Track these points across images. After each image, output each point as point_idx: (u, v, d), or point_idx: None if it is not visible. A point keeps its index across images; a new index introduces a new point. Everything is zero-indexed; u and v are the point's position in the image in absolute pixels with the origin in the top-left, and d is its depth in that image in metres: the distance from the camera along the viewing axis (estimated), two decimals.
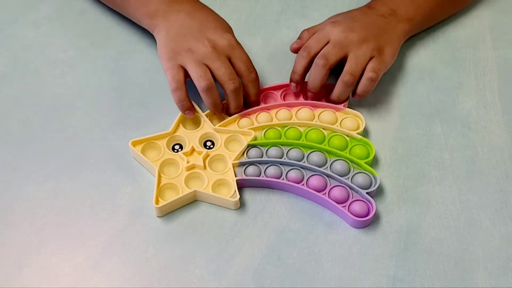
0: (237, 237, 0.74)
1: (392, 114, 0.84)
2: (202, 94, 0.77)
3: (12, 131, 0.82)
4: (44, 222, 0.75)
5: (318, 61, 0.80)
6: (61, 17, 0.93)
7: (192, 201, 0.77)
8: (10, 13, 0.94)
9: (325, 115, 0.82)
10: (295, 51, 0.84)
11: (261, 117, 0.82)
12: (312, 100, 0.82)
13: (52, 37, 0.91)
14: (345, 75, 0.80)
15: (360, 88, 0.80)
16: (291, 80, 0.82)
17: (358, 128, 0.81)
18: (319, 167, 0.77)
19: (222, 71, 0.77)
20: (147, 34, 0.88)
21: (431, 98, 0.85)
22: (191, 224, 0.75)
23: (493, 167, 0.79)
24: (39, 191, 0.77)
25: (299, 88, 0.82)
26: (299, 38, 0.85)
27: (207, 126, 0.81)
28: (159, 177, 0.76)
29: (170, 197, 0.75)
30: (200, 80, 0.76)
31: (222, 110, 0.80)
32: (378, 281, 0.71)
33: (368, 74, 0.80)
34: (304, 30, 0.85)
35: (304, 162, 0.78)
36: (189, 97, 0.79)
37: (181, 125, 0.81)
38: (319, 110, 0.83)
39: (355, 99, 0.82)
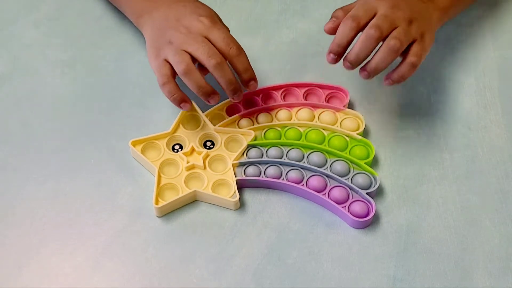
0: (237, 237, 0.74)
1: (392, 114, 0.84)
2: (183, 79, 0.75)
3: (12, 131, 0.82)
4: (44, 222, 0.75)
5: (371, 32, 0.72)
6: (61, 17, 0.93)
7: (192, 201, 0.77)
8: (10, 13, 0.94)
9: (325, 116, 0.82)
10: (332, 31, 0.75)
11: (261, 118, 0.82)
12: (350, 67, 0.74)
13: (52, 37, 0.91)
14: (392, 39, 0.72)
15: (398, 73, 0.74)
16: (331, 52, 0.73)
17: (358, 129, 0.81)
18: (319, 168, 0.77)
19: (199, 51, 0.74)
20: None
21: (431, 98, 0.85)
22: (191, 224, 0.75)
23: (493, 167, 0.79)
24: (39, 191, 0.77)
25: (338, 60, 0.74)
26: (333, 17, 0.76)
27: (207, 126, 0.81)
28: (159, 177, 0.77)
29: (170, 197, 0.75)
30: (177, 66, 0.74)
31: (210, 94, 0.75)
32: (378, 281, 0.71)
33: (410, 58, 0.73)
34: (337, 10, 0.77)
35: (304, 162, 0.78)
36: (180, 89, 0.76)
37: (181, 125, 0.81)
38: (319, 110, 0.83)
39: (387, 84, 0.75)
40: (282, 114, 0.82)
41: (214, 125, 0.80)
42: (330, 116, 0.82)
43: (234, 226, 0.75)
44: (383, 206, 0.76)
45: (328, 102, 0.84)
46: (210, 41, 0.75)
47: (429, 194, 0.77)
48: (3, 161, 0.80)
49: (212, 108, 0.82)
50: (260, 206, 0.77)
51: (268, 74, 0.87)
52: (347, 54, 0.73)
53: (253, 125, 0.81)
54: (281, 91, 0.84)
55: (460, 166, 0.80)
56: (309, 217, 0.76)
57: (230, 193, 0.76)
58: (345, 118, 0.82)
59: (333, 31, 0.75)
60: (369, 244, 0.74)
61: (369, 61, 0.73)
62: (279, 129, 0.81)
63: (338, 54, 0.74)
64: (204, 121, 0.81)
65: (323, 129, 0.81)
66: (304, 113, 0.82)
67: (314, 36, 0.92)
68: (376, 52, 0.73)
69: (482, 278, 0.72)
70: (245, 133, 0.80)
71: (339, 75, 0.86)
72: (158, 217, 0.75)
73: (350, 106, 0.84)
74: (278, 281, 0.71)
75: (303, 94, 0.84)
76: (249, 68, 0.77)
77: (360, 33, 0.73)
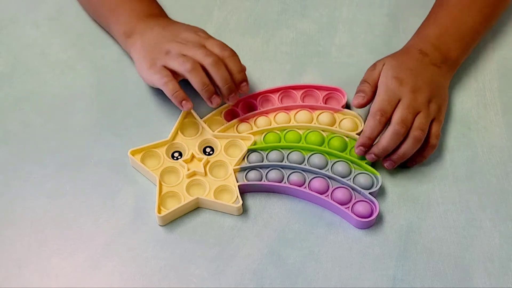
0: (237, 237, 0.74)
1: None
2: (188, 77, 0.77)
3: (12, 131, 0.82)
4: (44, 222, 0.75)
5: (398, 128, 0.75)
6: (61, 17, 0.93)
7: (194, 208, 0.76)
8: (10, 13, 0.94)
9: (324, 117, 0.82)
10: (361, 107, 0.79)
11: (259, 122, 0.82)
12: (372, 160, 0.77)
13: (52, 37, 0.91)
14: (416, 131, 0.76)
15: (422, 157, 0.78)
16: (361, 145, 0.77)
17: (357, 129, 0.81)
18: (320, 169, 0.77)
19: (197, 53, 0.77)
20: None
21: None
22: (191, 224, 0.75)
23: (493, 167, 0.79)
24: (39, 191, 0.77)
25: (366, 153, 0.77)
26: (361, 92, 0.79)
27: (206, 132, 0.80)
28: (160, 185, 0.76)
29: (172, 205, 0.75)
30: (182, 65, 0.77)
31: (213, 94, 0.78)
32: (378, 281, 0.71)
33: (432, 141, 0.78)
34: (364, 82, 0.80)
35: (305, 165, 0.78)
36: (181, 88, 0.78)
37: (179, 132, 0.80)
38: (317, 112, 0.83)
39: (412, 165, 0.79)
40: (281, 117, 0.82)
41: (213, 131, 0.80)
42: (328, 117, 0.82)
43: (234, 226, 0.75)
44: (383, 206, 0.76)
45: (325, 103, 0.84)
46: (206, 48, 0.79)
47: (429, 194, 0.77)
48: (3, 161, 0.80)
49: (210, 114, 0.82)
50: (260, 206, 0.77)
51: (268, 74, 0.87)
52: (373, 148, 0.77)
53: (252, 129, 0.81)
54: (278, 93, 0.84)
55: (460, 166, 0.80)
56: (309, 217, 0.76)
57: (232, 199, 0.76)
58: (343, 119, 0.82)
59: (361, 107, 0.79)
60: (369, 244, 0.74)
61: (394, 151, 0.77)
62: (278, 132, 0.81)
63: (368, 147, 0.77)
64: (202, 127, 0.81)
65: (322, 131, 0.81)
66: (302, 115, 0.82)
67: (314, 36, 0.92)
68: (402, 144, 0.76)
69: (482, 278, 0.72)
70: (245, 137, 0.80)
71: (339, 75, 0.86)
72: (161, 226, 0.75)
73: (348, 106, 0.84)
74: (278, 281, 0.71)
75: (301, 96, 0.84)
76: (243, 70, 0.79)
77: None
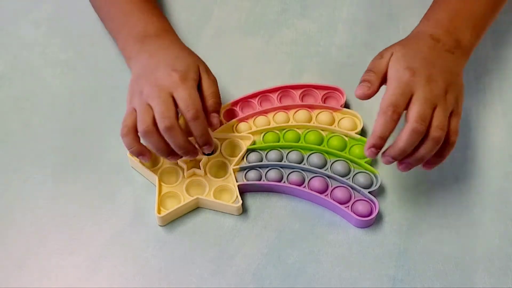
0: (237, 237, 0.74)
1: None
2: (140, 136, 0.73)
3: (12, 131, 0.82)
4: (44, 222, 0.75)
5: (416, 126, 0.68)
6: (61, 17, 0.93)
7: (194, 208, 0.76)
8: (10, 13, 0.94)
9: (323, 116, 0.82)
10: (365, 98, 0.72)
11: (258, 121, 0.82)
12: (389, 163, 0.71)
13: (52, 37, 0.91)
14: (435, 131, 0.68)
15: (442, 156, 0.71)
16: (372, 146, 0.69)
17: (356, 128, 0.81)
18: (320, 169, 0.77)
19: (157, 108, 0.72)
20: None
21: None
22: (191, 224, 0.75)
23: (493, 167, 0.79)
24: (39, 191, 0.77)
25: (378, 154, 0.70)
26: (366, 81, 0.72)
27: None
28: (160, 185, 0.76)
29: (172, 205, 0.75)
30: (139, 125, 0.72)
31: (168, 155, 0.73)
32: (378, 281, 0.71)
33: (452, 138, 0.70)
34: (369, 71, 0.73)
35: (304, 164, 0.78)
36: (139, 141, 0.74)
37: None
38: (316, 111, 0.83)
39: (429, 169, 0.72)
40: (280, 116, 0.82)
41: (212, 131, 0.80)
42: (327, 117, 0.82)
43: (234, 226, 0.75)
44: (383, 206, 0.76)
45: (324, 103, 0.84)
46: (174, 98, 0.73)
47: (429, 194, 0.77)
48: (3, 161, 0.80)
49: None
50: (260, 206, 0.77)
51: (267, 74, 0.87)
52: (388, 149, 0.70)
53: (251, 129, 0.81)
54: (277, 93, 0.84)
55: (460, 166, 0.80)
56: (309, 217, 0.76)
57: (232, 199, 0.76)
58: (342, 118, 0.82)
59: (366, 98, 0.72)
60: (369, 244, 0.74)
61: (411, 153, 0.70)
62: (277, 132, 0.81)
63: (380, 147, 0.69)
64: None
65: (322, 130, 0.81)
66: (301, 114, 0.82)
67: (314, 36, 0.92)
68: (420, 145, 0.69)
69: (482, 278, 0.72)
70: (244, 137, 0.80)
71: (339, 75, 0.86)
72: (161, 226, 0.75)
73: (347, 105, 0.84)
74: (278, 281, 0.72)
75: (300, 96, 0.84)
76: (205, 133, 0.74)
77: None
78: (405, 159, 0.70)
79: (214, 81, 0.77)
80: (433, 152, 0.69)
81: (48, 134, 0.82)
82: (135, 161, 0.78)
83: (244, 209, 0.76)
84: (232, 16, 0.91)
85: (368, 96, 0.71)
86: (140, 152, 0.74)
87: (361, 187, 0.76)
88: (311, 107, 0.83)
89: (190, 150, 0.73)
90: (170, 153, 0.73)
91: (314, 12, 0.94)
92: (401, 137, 0.68)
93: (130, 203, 0.77)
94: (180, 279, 0.72)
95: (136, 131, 0.73)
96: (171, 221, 0.75)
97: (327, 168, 0.78)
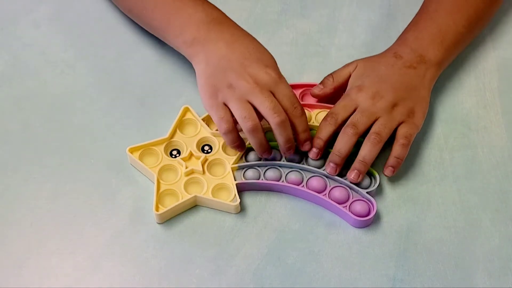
0: (237, 237, 0.74)
1: None
2: (247, 135, 0.75)
3: (12, 131, 0.82)
4: (44, 222, 0.75)
5: (347, 130, 0.75)
6: (61, 17, 0.93)
7: (192, 206, 0.76)
8: (10, 13, 0.94)
9: (322, 116, 0.81)
10: (316, 97, 0.82)
11: None
12: (334, 171, 0.76)
13: (52, 37, 0.91)
14: (372, 135, 0.75)
15: (392, 158, 0.76)
16: (314, 146, 0.76)
17: None
18: (318, 168, 0.77)
19: (265, 105, 0.73)
20: (147, 34, 0.88)
21: (431, 98, 0.85)
22: (191, 224, 0.75)
23: (493, 167, 0.79)
24: (39, 191, 0.77)
25: (320, 155, 0.77)
26: (322, 83, 0.82)
27: (204, 131, 0.80)
28: (158, 183, 0.76)
29: (170, 203, 0.75)
30: (245, 121, 0.73)
31: (269, 152, 0.77)
32: (378, 281, 0.71)
33: (400, 141, 0.76)
34: (329, 76, 0.82)
35: (303, 163, 0.78)
36: (240, 136, 0.76)
37: (178, 130, 0.80)
38: (316, 110, 0.83)
39: (389, 174, 0.76)
40: None
41: (211, 129, 0.80)
42: None
43: (234, 226, 0.75)
44: (383, 206, 0.76)
45: (323, 102, 0.84)
46: (274, 95, 0.74)
47: (429, 194, 0.77)
48: (3, 161, 0.80)
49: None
50: (260, 206, 0.77)
51: None
52: (330, 157, 0.76)
53: None
54: None
55: (460, 166, 0.80)
56: (309, 217, 0.76)
57: (230, 197, 0.76)
58: None
59: (316, 97, 0.82)
60: (369, 244, 0.74)
61: (357, 158, 0.76)
62: None
63: (320, 148, 0.76)
64: (201, 125, 0.81)
65: None
66: None
67: (314, 36, 0.92)
68: (361, 148, 0.76)
69: (482, 278, 0.72)
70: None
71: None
72: (159, 223, 0.75)
73: None
74: (278, 281, 0.72)
75: (299, 95, 0.84)
76: (308, 129, 0.76)
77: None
78: (355, 166, 0.76)
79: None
80: (373, 153, 0.75)
81: (48, 134, 0.82)
82: (134, 158, 0.78)
83: (244, 209, 0.76)
84: (232, 16, 0.91)
85: (318, 96, 0.81)
86: (240, 145, 0.77)
87: (359, 187, 0.76)
88: (311, 106, 0.83)
89: (293, 146, 0.76)
90: (269, 150, 0.77)
91: (314, 12, 0.94)
92: (336, 142, 0.76)
93: (130, 203, 0.77)
94: (180, 279, 0.72)
95: (235, 125, 0.75)
96: (169, 219, 0.75)
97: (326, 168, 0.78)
